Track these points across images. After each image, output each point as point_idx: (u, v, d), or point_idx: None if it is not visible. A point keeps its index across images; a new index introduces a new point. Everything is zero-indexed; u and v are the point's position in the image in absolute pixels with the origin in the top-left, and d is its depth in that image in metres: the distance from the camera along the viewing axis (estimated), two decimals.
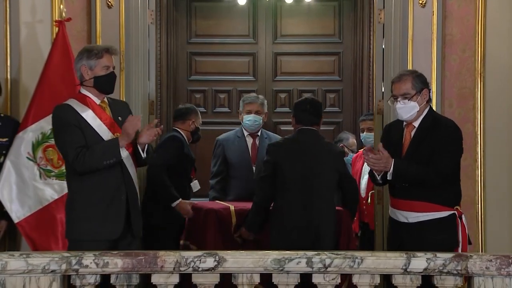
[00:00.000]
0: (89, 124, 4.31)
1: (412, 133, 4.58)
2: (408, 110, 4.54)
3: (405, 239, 4.50)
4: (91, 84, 4.40)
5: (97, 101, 4.42)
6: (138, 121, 4.34)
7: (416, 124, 4.58)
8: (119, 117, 4.44)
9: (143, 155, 4.45)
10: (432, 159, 4.45)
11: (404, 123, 4.62)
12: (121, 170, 4.34)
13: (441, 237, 4.48)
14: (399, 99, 4.54)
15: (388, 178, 4.50)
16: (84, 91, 4.43)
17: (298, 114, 5.30)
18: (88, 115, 4.32)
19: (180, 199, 5.63)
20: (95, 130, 4.32)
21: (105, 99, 4.48)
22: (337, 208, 5.26)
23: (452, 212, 4.51)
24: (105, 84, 4.42)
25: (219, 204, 5.71)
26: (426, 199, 4.50)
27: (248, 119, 6.16)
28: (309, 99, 5.49)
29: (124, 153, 4.34)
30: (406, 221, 4.54)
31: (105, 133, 4.34)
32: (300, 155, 5.14)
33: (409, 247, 4.24)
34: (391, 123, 4.89)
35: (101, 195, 4.29)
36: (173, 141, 5.80)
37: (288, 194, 5.11)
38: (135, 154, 4.45)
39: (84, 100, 4.37)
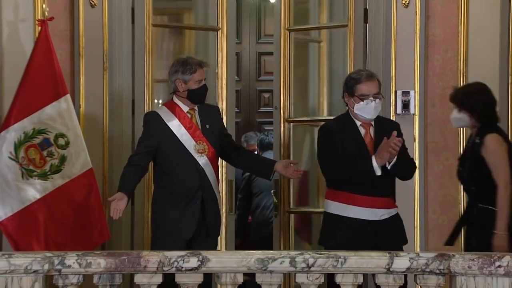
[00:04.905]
0: (174, 133, 4.77)
1: (372, 131, 4.62)
2: (379, 109, 4.65)
3: (379, 236, 4.52)
4: (184, 95, 4.85)
5: (185, 109, 4.86)
6: (120, 205, 4.62)
7: (372, 122, 4.63)
8: (206, 125, 4.87)
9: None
10: (403, 155, 4.54)
11: (359, 123, 4.59)
12: (199, 176, 4.78)
13: (400, 233, 4.68)
14: (371, 98, 4.55)
15: (387, 167, 4.47)
16: (176, 100, 4.88)
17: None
18: (174, 125, 4.80)
19: None
20: (178, 139, 4.77)
21: (195, 107, 4.90)
22: None
23: (397, 209, 4.69)
24: (197, 96, 4.86)
25: None
26: (389, 195, 4.62)
27: None
28: None
29: (202, 160, 4.78)
30: (376, 218, 4.54)
31: (188, 141, 4.78)
32: None
33: (390, 245, 4.27)
34: (330, 124, 4.74)
35: (178, 199, 4.77)
36: None
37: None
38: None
39: (174, 109, 4.84)
